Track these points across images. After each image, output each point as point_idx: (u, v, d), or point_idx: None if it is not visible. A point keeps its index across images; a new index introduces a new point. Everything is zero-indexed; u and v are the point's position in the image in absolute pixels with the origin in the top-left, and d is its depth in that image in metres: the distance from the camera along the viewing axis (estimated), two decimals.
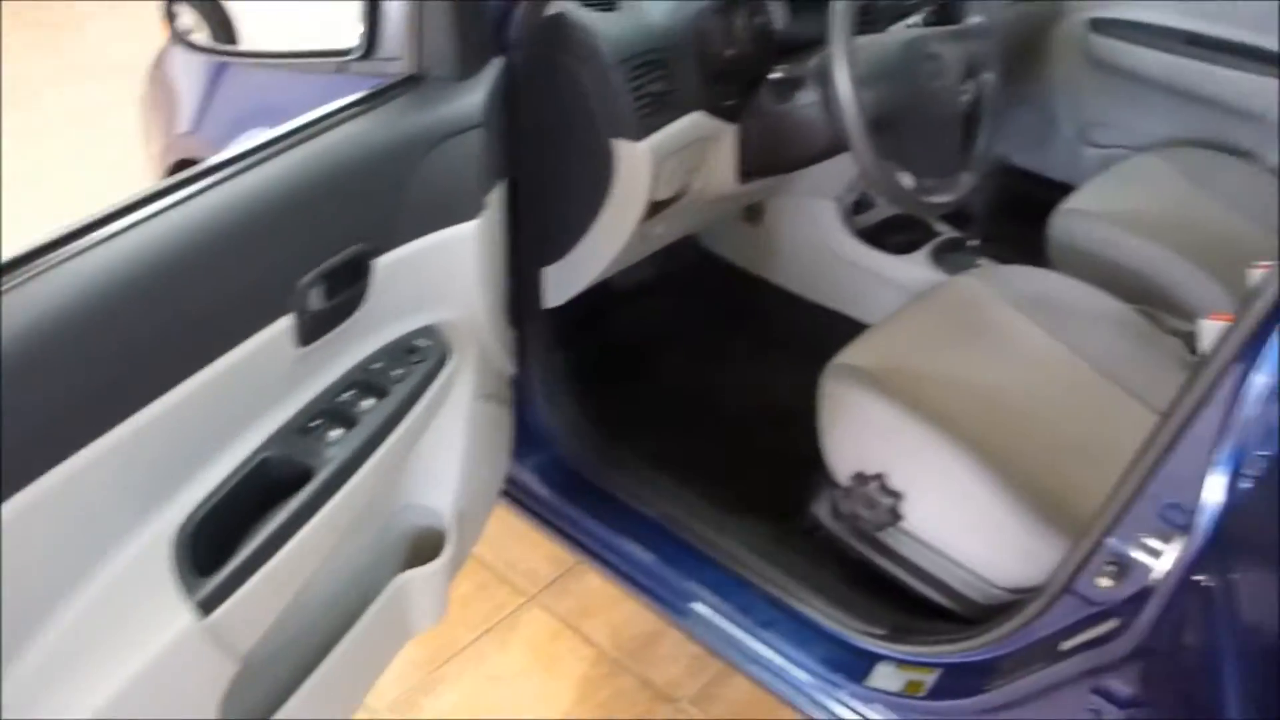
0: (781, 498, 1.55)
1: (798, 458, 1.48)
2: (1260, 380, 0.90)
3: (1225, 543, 0.94)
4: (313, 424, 1.04)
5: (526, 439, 1.55)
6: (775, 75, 1.44)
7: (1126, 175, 2.03)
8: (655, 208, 1.47)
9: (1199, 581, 0.95)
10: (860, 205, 2.04)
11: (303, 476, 1.00)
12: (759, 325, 2.12)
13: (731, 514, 1.54)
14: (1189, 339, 1.56)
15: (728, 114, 1.47)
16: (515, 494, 1.61)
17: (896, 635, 1.32)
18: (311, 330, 1.02)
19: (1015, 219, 2.05)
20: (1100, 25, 2.24)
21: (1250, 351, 0.91)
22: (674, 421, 1.87)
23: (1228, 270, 1.60)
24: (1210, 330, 1.46)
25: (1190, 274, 1.73)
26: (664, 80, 1.36)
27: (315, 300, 1.01)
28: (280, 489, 0.99)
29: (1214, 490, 0.94)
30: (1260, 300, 0.90)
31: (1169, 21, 2.15)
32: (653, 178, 1.38)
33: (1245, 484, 0.91)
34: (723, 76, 1.45)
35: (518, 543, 1.97)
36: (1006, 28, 2.03)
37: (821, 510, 1.46)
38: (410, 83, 1.17)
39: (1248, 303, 0.91)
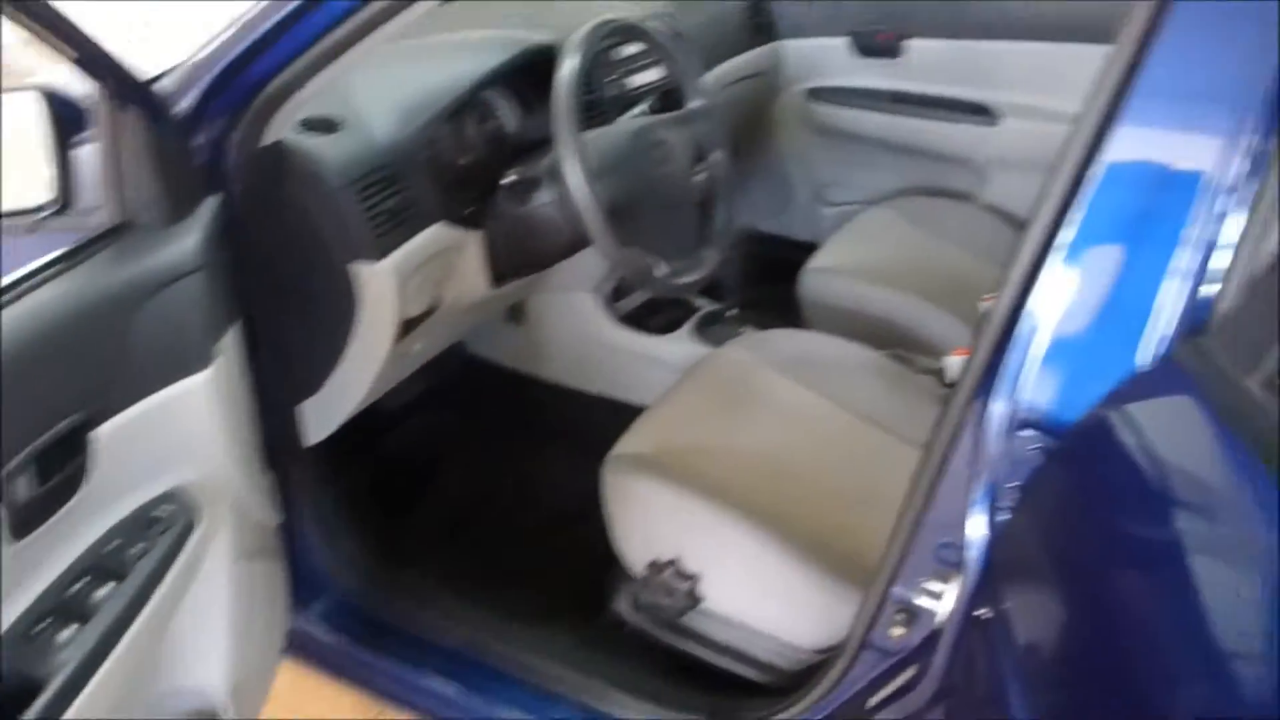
0: (584, 599, 1.51)
1: (595, 554, 1.45)
2: (998, 410, 0.94)
3: (997, 573, 0.97)
4: (39, 627, 0.92)
5: (307, 586, 1.45)
6: (510, 179, 1.44)
7: (861, 229, 2.15)
8: (409, 325, 1.43)
9: (980, 616, 0.98)
10: (620, 291, 2.07)
11: (32, 691, 0.88)
12: (538, 424, 2.09)
13: (534, 626, 1.48)
14: (940, 375, 1.65)
15: (469, 221, 1.46)
16: (303, 647, 1.49)
17: None
18: (25, 521, 0.91)
19: (769, 283, 2.14)
20: (817, 94, 2.39)
21: (985, 384, 0.95)
22: (463, 538, 1.81)
23: (964, 305, 1.70)
24: (955, 365, 1.56)
25: (932, 314, 1.84)
26: (398, 196, 1.33)
27: (25, 488, 0.90)
28: (6, 711, 0.87)
29: (977, 524, 0.97)
30: (987, 333, 0.95)
31: (876, 84, 2.32)
32: (400, 296, 1.35)
33: (1002, 514, 0.95)
34: (459, 184, 1.44)
35: (314, 700, 1.83)
36: (730, 106, 2.13)
37: (622, 605, 1.43)
38: (115, 234, 1.08)
39: (978, 336, 0.96)
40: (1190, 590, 0.66)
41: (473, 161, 1.47)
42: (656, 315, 2.06)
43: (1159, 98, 0.82)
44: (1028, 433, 0.91)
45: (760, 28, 2.31)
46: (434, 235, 1.38)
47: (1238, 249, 0.82)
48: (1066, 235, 0.88)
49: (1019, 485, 0.92)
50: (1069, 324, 0.90)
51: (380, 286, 1.31)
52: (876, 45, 2.28)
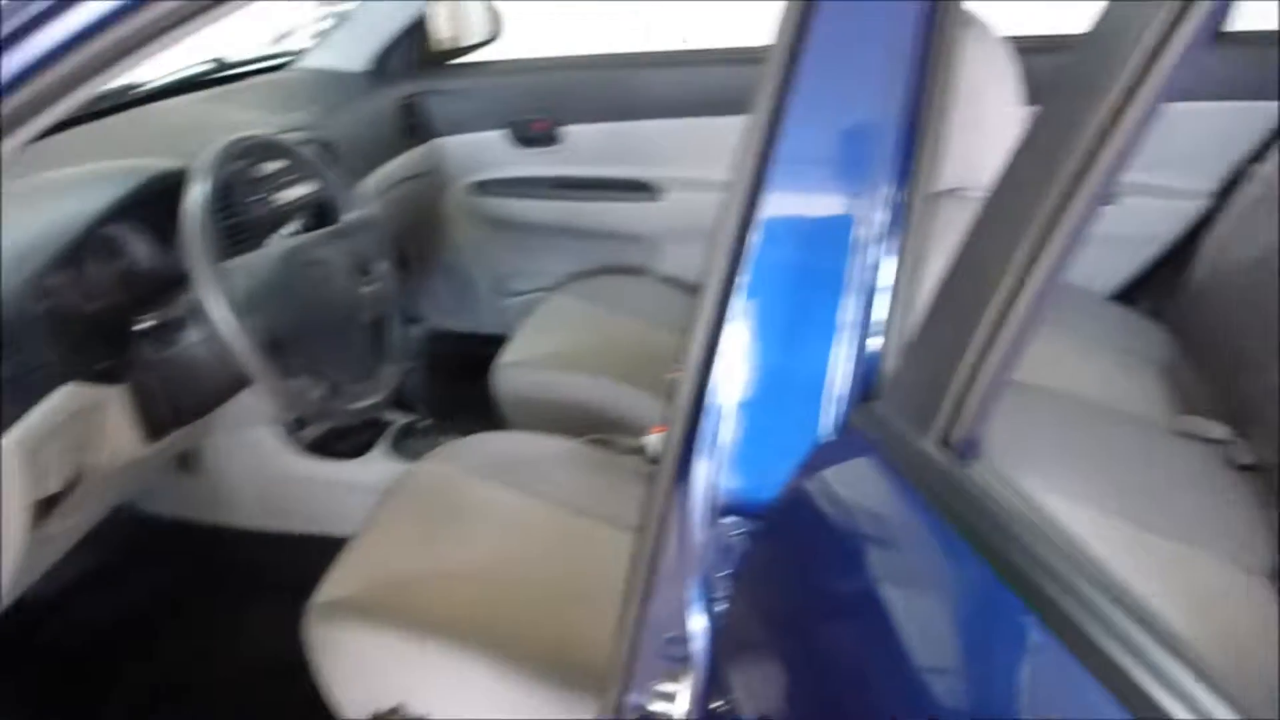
0: None
1: (317, 713, 1.31)
2: (698, 497, 0.92)
3: (724, 663, 0.95)
4: None
5: None
6: (148, 323, 1.30)
7: (547, 316, 2.14)
8: (48, 503, 1.24)
9: (716, 709, 0.95)
10: (302, 419, 1.92)
11: None
12: (235, 578, 1.89)
13: None
14: (643, 452, 1.65)
15: (107, 376, 1.29)
16: None
17: None
18: None
19: (464, 383, 2.07)
20: (483, 187, 2.38)
21: (683, 469, 0.93)
22: None
23: (657, 379, 1.72)
24: (656, 442, 1.56)
25: (627, 393, 1.85)
26: (8, 361, 1.15)
27: None
28: None
29: (697, 617, 0.95)
30: (677, 412, 0.93)
31: (538, 172, 2.34)
32: (29, 475, 1.16)
33: (719, 604, 0.93)
34: (89, 336, 1.27)
35: None
36: (397, 210, 2.06)
37: None
38: None
39: (670, 413, 0.94)
40: (893, 633, 0.70)
41: (103, 308, 1.31)
42: (347, 438, 1.93)
43: (798, 161, 0.85)
44: (730, 519, 0.90)
45: (415, 128, 2.27)
46: (64, 399, 1.21)
47: (893, 304, 0.86)
48: (737, 304, 0.88)
49: (730, 574, 0.90)
50: (753, 398, 0.90)
51: (1, 468, 1.13)
52: (534, 134, 2.31)
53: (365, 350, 1.46)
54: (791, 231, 0.87)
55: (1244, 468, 1.59)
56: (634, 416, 1.81)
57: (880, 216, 0.84)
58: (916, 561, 0.75)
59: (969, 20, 1.09)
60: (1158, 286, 2.19)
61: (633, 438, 1.71)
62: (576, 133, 2.29)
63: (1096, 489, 1.40)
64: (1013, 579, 0.62)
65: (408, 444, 1.91)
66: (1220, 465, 1.59)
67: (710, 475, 0.92)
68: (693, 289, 2.18)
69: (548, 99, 2.30)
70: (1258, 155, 1.97)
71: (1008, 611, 0.62)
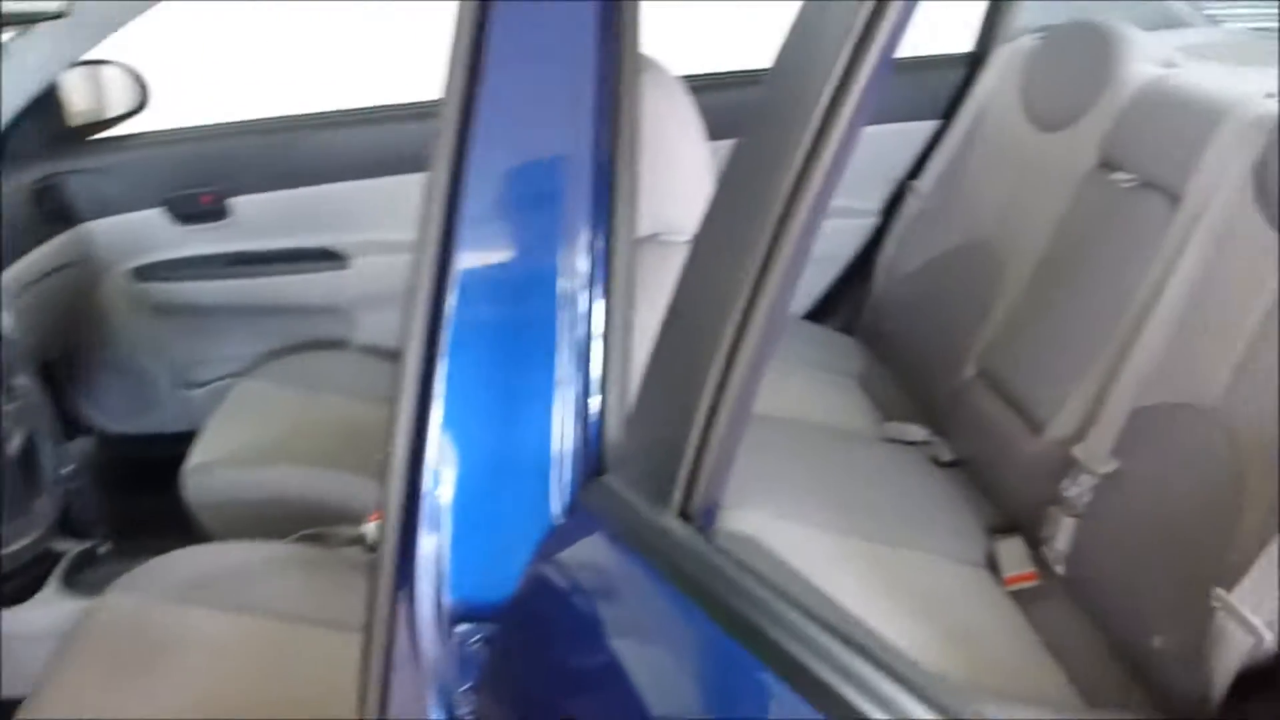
0: None
1: None
2: (426, 606, 0.83)
3: None
4: None
5: None
6: None
7: (239, 404, 1.96)
8: None
9: None
10: None
11: None
12: None
13: None
14: (364, 541, 1.52)
15: None
16: None
17: None
18: None
19: (148, 495, 1.83)
20: (144, 272, 2.14)
21: (404, 570, 0.84)
22: None
23: (369, 460, 1.60)
24: (376, 529, 1.44)
25: (337, 479, 1.71)
26: None
27: None
28: None
29: None
30: (389, 497, 0.84)
31: (208, 250, 2.14)
32: None
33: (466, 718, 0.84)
34: None
35: None
36: (35, 312, 1.79)
37: None
38: None
39: (383, 498, 0.85)
40: (638, 692, 0.69)
41: None
42: (6, 580, 1.64)
43: (488, 214, 0.80)
44: (464, 627, 0.82)
45: (54, 213, 2.00)
46: None
47: (607, 360, 0.82)
48: (441, 371, 0.81)
49: (472, 686, 0.82)
50: (473, 481, 0.83)
51: None
52: (199, 210, 2.11)
53: (13, 480, 1.25)
54: (492, 287, 0.82)
55: (946, 464, 1.70)
56: (350, 504, 1.67)
57: (584, 265, 0.80)
58: (661, 641, 0.73)
59: (646, 63, 1.08)
60: (844, 303, 2.33)
61: (351, 527, 1.58)
62: (247, 203, 2.11)
63: (825, 511, 1.44)
64: (749, 640, 0.62)
65: (84, 576, 1.65)
66: (926, 465, 1.69)
67: (436, 568, 0.83)
68: (396, 357, 2.06)
69: (211, 170, 2.11)
70: (914, 173, 2.14)
71: (748, 670, 0.61)
